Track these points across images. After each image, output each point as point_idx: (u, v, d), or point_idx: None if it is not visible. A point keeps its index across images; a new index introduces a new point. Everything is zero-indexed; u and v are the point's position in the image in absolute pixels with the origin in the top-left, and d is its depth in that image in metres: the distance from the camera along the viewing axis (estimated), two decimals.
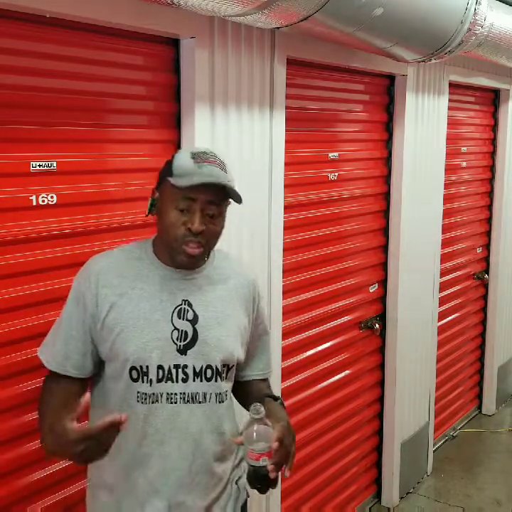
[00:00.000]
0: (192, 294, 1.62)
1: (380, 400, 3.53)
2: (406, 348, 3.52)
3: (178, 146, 2.14)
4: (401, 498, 3.65)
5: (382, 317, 3.44)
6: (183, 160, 1.55)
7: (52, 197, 1.81)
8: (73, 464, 1.92)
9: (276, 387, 2.63)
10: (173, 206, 1.54)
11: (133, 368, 1.55)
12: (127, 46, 1.97)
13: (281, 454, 1.49)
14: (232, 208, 2.32)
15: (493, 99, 4.45)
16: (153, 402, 1.57)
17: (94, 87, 1.89)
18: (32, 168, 1.75)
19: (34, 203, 1.77)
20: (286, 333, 2.75)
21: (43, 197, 1.79)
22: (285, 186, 2.57)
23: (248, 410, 1.71)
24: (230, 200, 1.63)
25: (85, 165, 1.90)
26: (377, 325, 3.32)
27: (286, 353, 2.77)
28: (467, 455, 4.20)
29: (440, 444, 4.25)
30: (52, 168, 1.80)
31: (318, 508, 3.12)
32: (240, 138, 2.29)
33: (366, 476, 3.53)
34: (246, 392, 1.78)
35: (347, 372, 3.24)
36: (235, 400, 1.80)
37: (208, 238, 1.57)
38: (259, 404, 1.51)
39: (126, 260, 1.63)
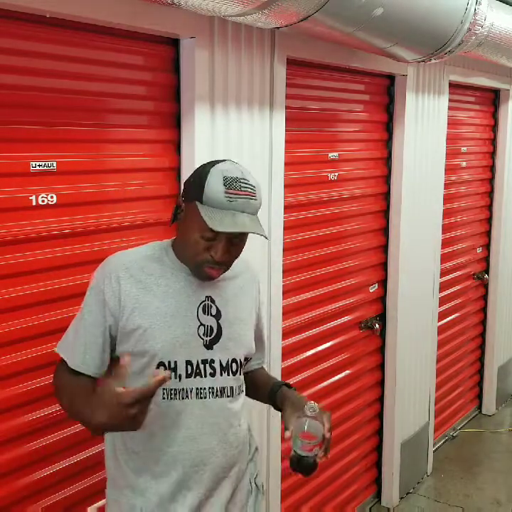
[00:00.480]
0: (213, 291, 1.65)
1: (380, 400, 3.53)
2: (406, 348, 3.52)
3: (178, 146, 2.14)
4: (401, 498, 3.65)
5: (382, 317, 3.44)
6: (214, 187, 1.50)
7: (52, 197, 1.81)
8: (75, 464, 1.93)
9: None
10: (199, 233, 1.53)
11: (161, 363, 1.56)
12: (127, 46, 1.97)
13: (329, 443, 1.60)
14: None
15: (493, 99, 4.45)
16: (182, 398, 1.57)
17: (94, 87, 1.89)
18: (32, 168, 1.75)
19: (34, 203, 1.77)
20: (286, 333, 2.74)
21: (42, 197, 1.79)
22: (285, 186, 2.56)
23: (257, 397, 1.82)
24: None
25: (85, 165, 1.90)
26: (377, 325, 3.32)
27: (286, 353, 2.77)
28: (467, 455, 4.20)
29: (440, 444, 4.25)
30: (52, 168, 1.80)
31: (318, 508, 3.12)
32: (240, 138, 2.28)
33: (366, 476, 3.53)
34: (252, 382, 1.81)
35: (347, 372, 3.24)
36: None
37: (231, 260, 1.59)
38: (313, 402, 1.60)
39: (147, 259, 1.62)
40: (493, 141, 4.52)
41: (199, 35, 2.07)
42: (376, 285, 3.38)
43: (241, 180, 1.52)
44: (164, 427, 1.58)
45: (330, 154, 2.94)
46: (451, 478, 3.91)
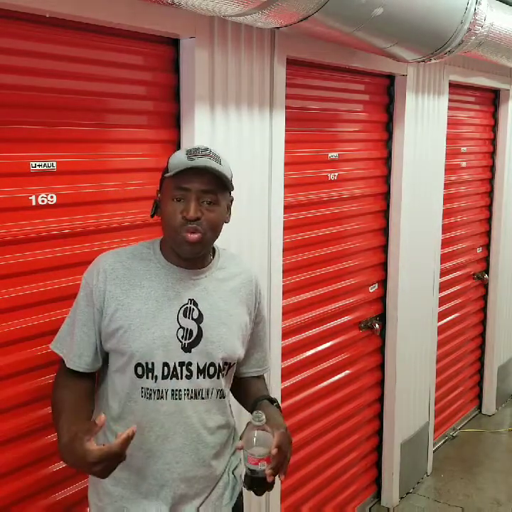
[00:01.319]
0: (198, 294, 1.65)
1: (380, 400, 3.53)
2: (406, 348, 3.52)
3: (178, 146, 2.14)
4: (401, 498, 3.65)
5: (382, 317, 3.44)
6: (177, 156, 1.61)
7: (51, 197, 1.81)
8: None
9: (276, 387, 2.63)
10: (170, 197, 1.58)
11: (138, 364, 1.59)
12: (127, 46, 1.97)
13: (279, 460, 1.54)
14: (232, 208, 2.31)
15: (493, 99, 4.45)
16: (158, 398, 1.61)
17: (94, 87, 1.89)
18: (32, 168, 1.75)
19: (34, 203, 1.77)
20: (286, 333, 2.74)
21: (42, 197, 1.79)
22: (285, 186, 2.56)
23: (245, 407, 1.79)
24: (232, 195, 1.67)
25: (85, 165, 1.90)
26: (377, 325, 3.32)
27: (286, 353, 2.77)
28: (467, 455, 4.20)
29: (440, 444, 4.25)
30: (52, 168, 1.80)
31: (318, 508, 3.12)
32: (239, 138, 2.28)
33: (366, 476, 3.53)
34: (243, 390, 1.83)
35: (347, 372, 3.24)
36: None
37: (206, 225, 1.58)
38: (260, 411, 1.57)
39: (134, 259, 1.66)
40: (493, 141, 4.52)
41: (199, 35, 2.07)
42: (376, 285, 3.38)
43: (203, 148, 1.61)
44: (140, 425, 1.60)
45: (330, 154, 2.94)
46: (451, 478, 3.91)
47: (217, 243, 1.73)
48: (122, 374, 1.62)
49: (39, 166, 1.77)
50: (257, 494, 1.62)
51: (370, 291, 3.34)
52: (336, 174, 2.99)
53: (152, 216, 1.67)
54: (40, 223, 1.80)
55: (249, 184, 2.36)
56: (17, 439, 1.81)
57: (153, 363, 1.59)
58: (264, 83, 2.38)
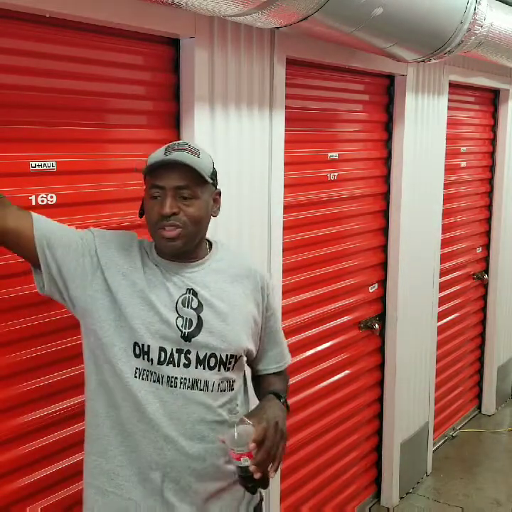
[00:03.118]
0: (197, 285, 1.64)
1: (380, 400, 3.53)
2: (406, 348, 3.52)
3: None
4: (400, 498, 3.65)
5: (381, 317, 3.44)
6: (155, 154, 1.61)
7: (51, 197, 1.81)
8: (75, 464, 1.93)
9: None
10: (148, 196, 1.59)
11: (136, 344, 1.57)
12: (127, 46, 1.97)
13: (263, 455, 1.51)
14: (231, 208, 2.32)
15: (493, 99, 4.45)
16: (154, 381, 1.58)
17: (94, 87, 1.89)
18: (31, 168, 1.75)
19: (33, 203, 1.77)
20: (286, 333, 2.71)
21: (42, 197, 1.79)
22: (285, 186, 2.57)
23: None
24: (218, 188, 1.67)
25: (85, 165, 1.90)
26: (376, 325, 3.32)
27: None
28: (467, 455, 4.20)
29: (440, 444, 4.25)
30: (51, 168, 1.80)
31: (318, 508, 3.12)
32: (239, 138, 2.29)
33: (366, 476, 3.53)
34: (260, 387, 1.82)
35: (347, 372, 3.24)
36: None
37: (186, 220, 1.57)
38: (237, 405, 1.55)
39: (136, 246, 1.66)
40: (493, 141, 4.52)
41: (199, 35, 2.07)
42: (376, 285, 3.38)
43: (181, 143, 1.62)
44: (133, 404, 1.58)
45: (329, 154, 2.94)
46: (450, 478, 3.91)
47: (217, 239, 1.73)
48: (117, 351, 1.57)
49: (39, 166, 1.77)
50: (249, 491, 1.59)
51: (370, 291, 3.34)
52: (336, 174, 2.99)
53: (140, 216, 1.67)
54: None
55: (249, 184, 2.36)
56: (17, 439, 1.81)
57: (149, 346, 1.57)
58: (264, 83, 2.38)
